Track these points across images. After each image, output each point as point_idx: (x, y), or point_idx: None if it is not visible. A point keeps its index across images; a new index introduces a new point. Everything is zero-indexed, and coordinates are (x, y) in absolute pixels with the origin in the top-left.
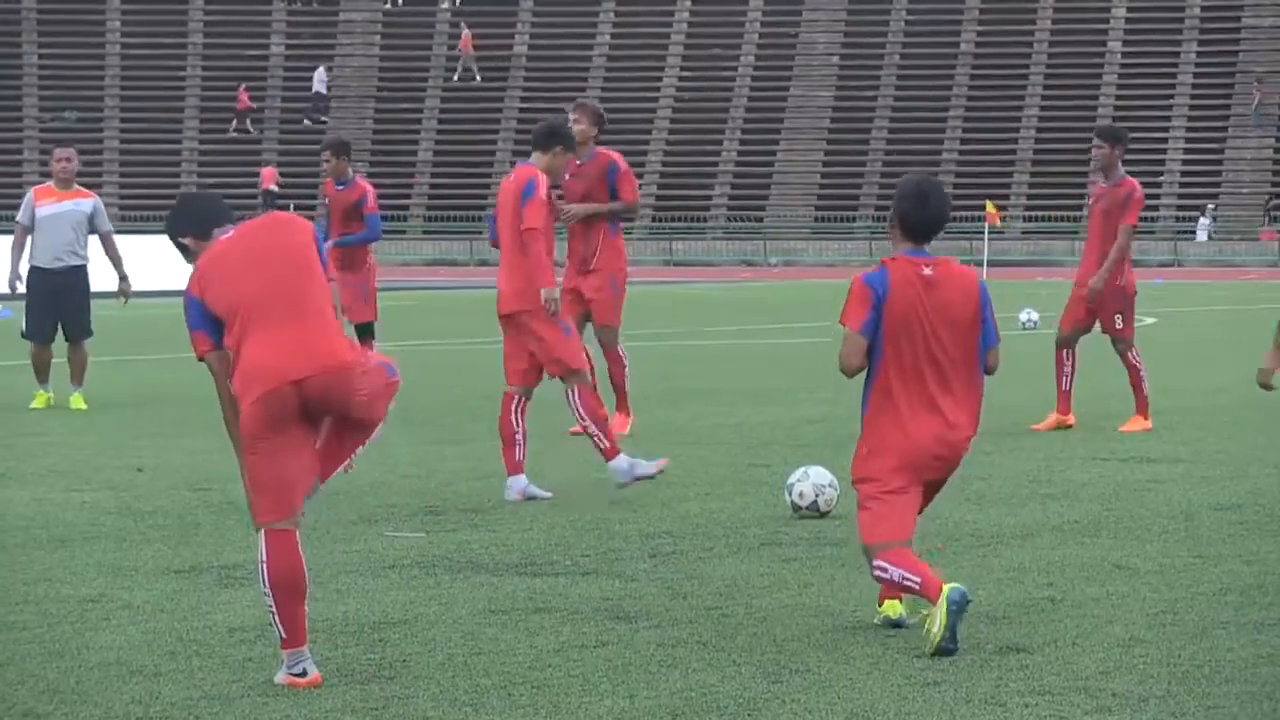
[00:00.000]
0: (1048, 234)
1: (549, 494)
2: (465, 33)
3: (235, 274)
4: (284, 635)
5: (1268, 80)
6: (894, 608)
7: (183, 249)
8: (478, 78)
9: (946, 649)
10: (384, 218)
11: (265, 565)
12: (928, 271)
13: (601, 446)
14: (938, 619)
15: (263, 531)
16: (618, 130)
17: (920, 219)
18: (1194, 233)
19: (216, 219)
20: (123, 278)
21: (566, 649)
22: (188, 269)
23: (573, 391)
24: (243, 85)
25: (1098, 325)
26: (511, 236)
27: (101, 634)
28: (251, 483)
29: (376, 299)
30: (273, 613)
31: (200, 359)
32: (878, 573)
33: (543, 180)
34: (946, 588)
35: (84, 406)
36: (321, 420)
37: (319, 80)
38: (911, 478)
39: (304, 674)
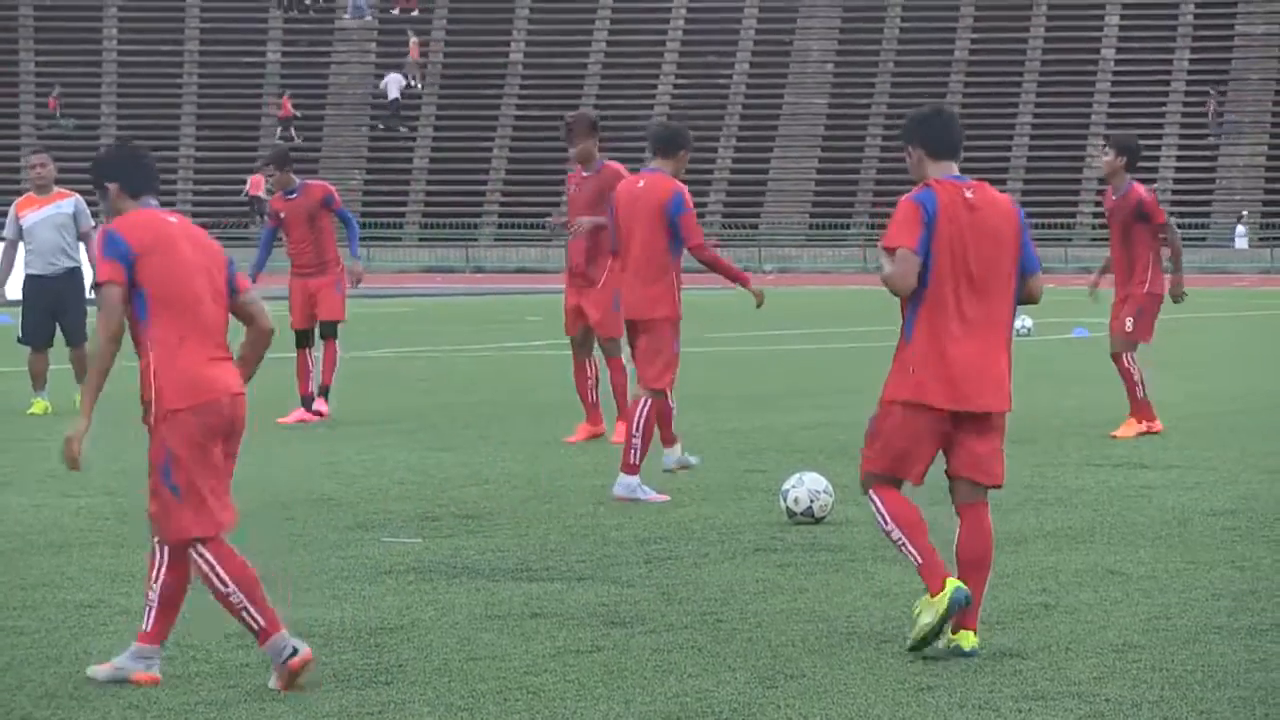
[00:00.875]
0: (1041, 242)
1: (697, 460)
2: (413, 41)
3: (189, 272)
4: (262, 624)
5: (1217, 92)
6: (967, 639)
7: (101, 190)
8: (419, 86)
9: (925, 645)
10: (379, 224)
11: (220, 569)
12: (969, 195)
13: (631, 460)
14: (932, 614)
15: (200, 546)
16: (613, 139)
17: (938, 127)
18: (1191, 240)
19: (150, 185)
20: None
21: (562, 654)
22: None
23: (646, 403)
24: (286, 94)
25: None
26: (646, 245)
27: (99, 639)
28: (181, 495)
29: (345, 300)
30: (245, 609)
31: (101, 284)
32: (871, 506)
33: (687, 193)
34: (953, 584)
35: None
36: (229, 448)
37: (395, 85)
38: (950, 404)
39: (295, 652)
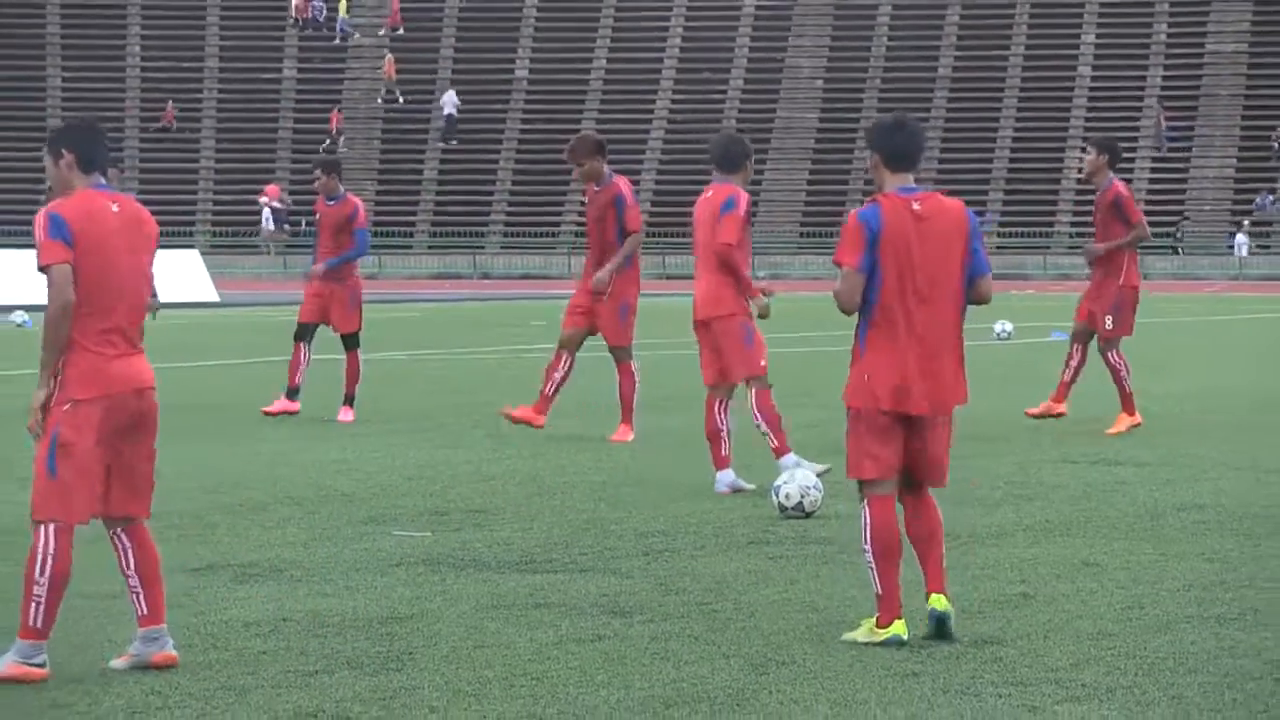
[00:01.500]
0: (1021, 249)
1: (753, 485)
2: (389, 58)
3: (116, 266)
4: (40, 626)
5: (1163, 107)
6: (940, 601)
7: (55, 158)
8: (400, 99)
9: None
10: (391, 233)
11: (51, 561)
12: (917, 206)
13: (773, 445)
14: (868, 638)
15: (51, 527)
16: (613, 151)
17: (899, 141)
18: (1165, 248)
19: (102, 162)
20: (153, 294)
21: (565, 642)
22: (172, 277)
23: (751, 393)
24: (336, 108)
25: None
26: (708, 249)
27: (123, 628)
28: (57, 479)
29: (362, 309)
30: (38, 603)
31: (49, 266)
32: (862, 511)
33: (744, 197)
34: (896, 629)
35: None
36: (137, 437)
37: (449, 103)
38: (900, 408)
39: (43, 665)
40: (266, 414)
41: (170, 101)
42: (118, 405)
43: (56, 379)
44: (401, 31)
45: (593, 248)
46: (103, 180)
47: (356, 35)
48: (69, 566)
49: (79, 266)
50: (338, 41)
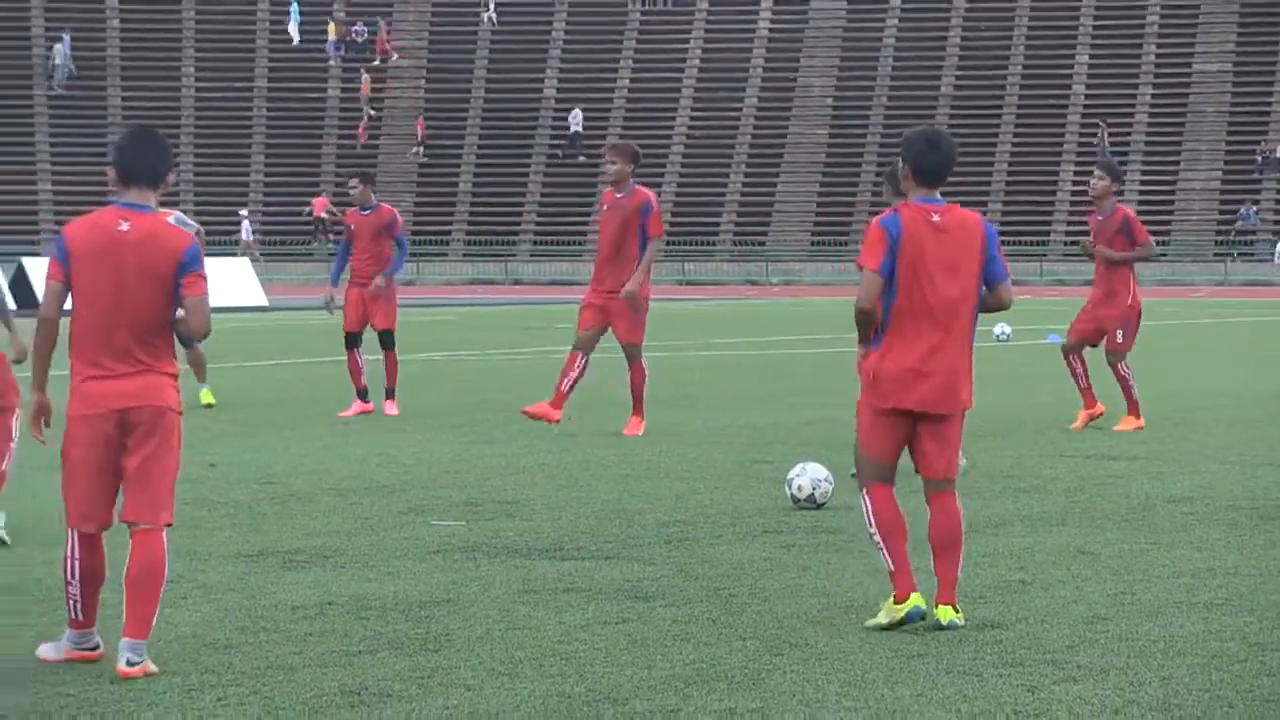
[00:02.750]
0: (1018, 257)
1: None
2: (365, 78)
3: (112, 287)
4: (81, 619)
5: (1106, 124)
6: (945, 613)
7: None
8: (371, 113)
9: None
10: (428, 242)
11: (77, 562)
12: (937, 219)
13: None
14: (889, 618)
15: (74, 531)
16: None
17: (931, 160)
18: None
19: (144, 178)
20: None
21: (591, 625)
22: (224, 282)
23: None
24: (420, 116)
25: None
26: None
27: (180, 611)
28: (64, 487)
29: (396, 310)
30: (74, 600)
31: (47, 281)
32: (862, 504)
33: None
34: (913, 603)
35: (213, 401)
36: (132, 450)
37: (575, 121)
38: (907, 404)
39: (95, 648)
40: (343, 418)
41: (420, 117)
42: (97, 423)
43: (44, 388)
44: (382, 59)
45: (605, 250)
46: (148, 199)
47: (333, 62)
48: (95, 565)
49: (76, 276)
50: (331, 62)
